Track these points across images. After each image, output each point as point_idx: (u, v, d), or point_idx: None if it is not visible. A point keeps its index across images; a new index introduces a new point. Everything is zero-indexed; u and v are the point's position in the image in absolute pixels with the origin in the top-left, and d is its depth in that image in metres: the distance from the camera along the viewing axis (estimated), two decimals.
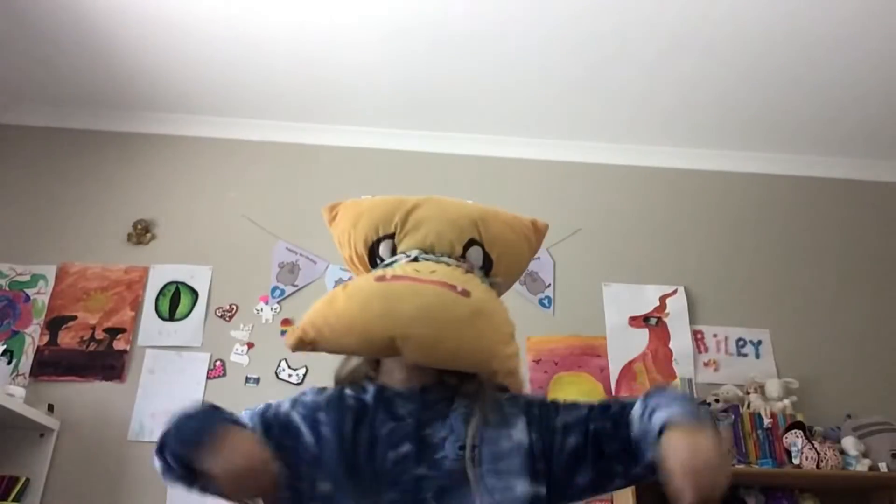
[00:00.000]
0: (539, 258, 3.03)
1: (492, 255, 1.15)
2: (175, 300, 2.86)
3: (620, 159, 3.28)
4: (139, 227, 2.95)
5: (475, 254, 1.14)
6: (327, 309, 1.05)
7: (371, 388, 1.07)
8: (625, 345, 2.90)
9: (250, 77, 2.92)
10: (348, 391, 1.08)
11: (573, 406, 1.06)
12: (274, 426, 1.05)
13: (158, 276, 2.89)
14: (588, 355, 2.87)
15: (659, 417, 0.90)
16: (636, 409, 0.98)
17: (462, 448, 0.98)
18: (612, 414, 1.02)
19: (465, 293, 1.02)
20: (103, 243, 2.94)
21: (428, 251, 1.12)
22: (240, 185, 3.10)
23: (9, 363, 2.66)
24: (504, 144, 3.24)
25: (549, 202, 3.17)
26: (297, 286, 2.90)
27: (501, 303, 1.12)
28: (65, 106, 3.12)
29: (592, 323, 2.93)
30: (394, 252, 1.14)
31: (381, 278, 1.05)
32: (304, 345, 1.06)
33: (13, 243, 2.91)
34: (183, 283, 2.89)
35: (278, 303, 2.87)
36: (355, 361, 1.12)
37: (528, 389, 2.76)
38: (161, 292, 2.87)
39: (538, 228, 1.26)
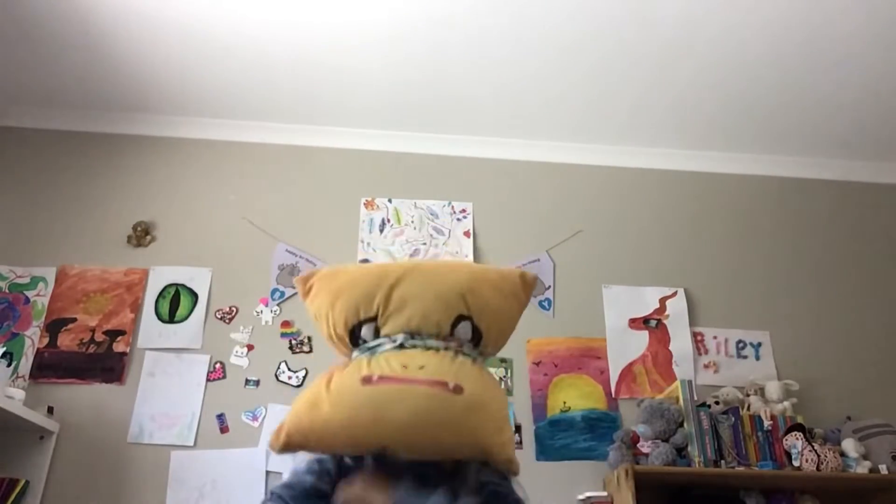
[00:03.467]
0: (539, 260, 3.03)
1: (481, 327, 1.09)
2: (175, 302, 2.85)
3: (620, 161, 3.28)
4: (139, 229, 2.95)
5: (464, 329, 1.08)
6: (311, 414, 1.01)
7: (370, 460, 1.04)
8: (625, 347, 2.90)
9: (250, 79, 2.92)
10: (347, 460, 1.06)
11: None
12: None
13: (158, 278, 2.89)
14: (588, 357, 2.87)
15: None
16: None
17: None
18: None
19: (458, 389, 0.98)
20: (103, 245, 2.94)
21: (414, 334, 1.05)
22: (240, 187, 3.10)
23: (8, 365, 2.66)
24: (504, 146, 3.25)
25: (550, 204, 3.17)
26: (296, 288, 2.89)
27: (494, 382, 1.08)
28: (64, 108, 3.12)
29: (592, 325, 2.93)
30: (377, 333, 1.07)
31: (368, 380, 0.99)
32: (290, 450, 1.03)
33: (13, 245, 2.91)
34: (183, 285, 2.89)
35: (278, 305, 2.87)
36: None
37: (528, 392, 2.77)
38: (161, 294, 2.87)
39: (527, 282, 1.18)
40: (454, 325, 1.08)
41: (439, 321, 1.06)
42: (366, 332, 1.08)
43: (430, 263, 1.00)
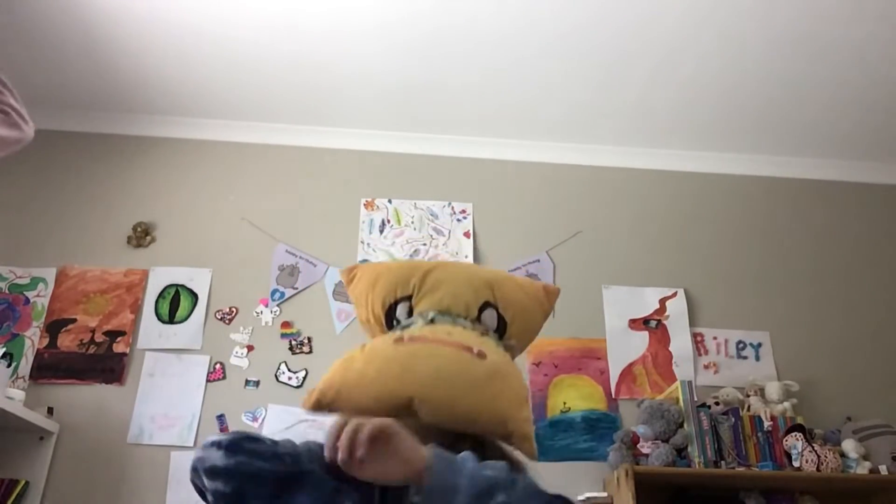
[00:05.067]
0: (539, 261, 3.03)
1: (506, 317, 1.17)
2: (175, 303, 2.85)
3: (620, 162, 3.28)
4: (139, 229, 2.95)
5: (490, 316, 1.16)
6: (345, 371, 1.06)
7: None
8: (625, 347, 2.90)
9: (250, 80, 2.92)
10: None
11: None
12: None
13: (158, 279, 2.89)
14: (588, 358, 2.87)
15: None
16: None
17: None
18: None
19: (482, 355, 1.03)
20: (103, 246, 2.94)
21: (444, 312, 1.12)
22: (240, 188, 3.10)
23: (8, 366, 2.65)
24: (504, 147, 3.25)
25: (549, 205, 3.17)
26: (296, 289, 2.90)
27: (516, 366, 1.12)
28: (64, 109, 3.12)
29: (592, 325, 2.92)
30: (410, 313, 1.15)
31: (399, 340, 1.06)
32: (322, 406, 1.06)
33: (13, 246, 2.91)
34: (183, 286, 2.89)
35: (278, 305, 2.87)
36: None
37: (529, 393, 2.77)
38: (161, 295, 2.87)
39: (549, 292, 1.29)
40: (481, 310, 1.15)
41: (468, 303, 1.14)
42: (400, 310, 1.16)
43: (459, 262, 1.12)
